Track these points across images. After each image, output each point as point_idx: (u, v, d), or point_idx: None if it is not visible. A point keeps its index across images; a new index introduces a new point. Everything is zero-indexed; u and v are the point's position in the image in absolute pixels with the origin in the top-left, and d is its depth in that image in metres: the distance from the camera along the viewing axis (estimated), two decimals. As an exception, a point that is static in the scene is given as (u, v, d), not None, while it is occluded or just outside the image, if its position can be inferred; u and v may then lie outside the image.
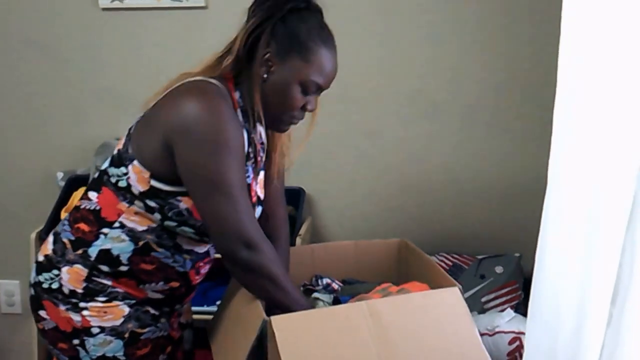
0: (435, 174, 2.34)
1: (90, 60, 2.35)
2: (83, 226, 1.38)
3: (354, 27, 2.23)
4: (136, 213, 1.35)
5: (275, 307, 1.37)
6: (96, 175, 1.42)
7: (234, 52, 1.36)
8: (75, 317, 1.38)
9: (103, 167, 1.42)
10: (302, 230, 2.21)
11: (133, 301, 1.41)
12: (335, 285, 1.71)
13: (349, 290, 1.67)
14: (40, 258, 1.44)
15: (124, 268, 1.38)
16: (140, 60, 2.33)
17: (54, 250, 1.42)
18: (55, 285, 1.39)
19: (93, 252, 1.37)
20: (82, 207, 1.40)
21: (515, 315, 1.83)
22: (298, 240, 2.15)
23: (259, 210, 1.50)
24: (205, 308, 2.19)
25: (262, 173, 1.52)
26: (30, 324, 2.10)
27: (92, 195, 1.39)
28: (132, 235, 1.37)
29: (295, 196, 2.33)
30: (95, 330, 1.39)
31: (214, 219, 1.29)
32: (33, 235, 2.16)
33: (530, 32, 2.18)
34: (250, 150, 1.42)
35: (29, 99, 2.40)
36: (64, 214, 2.13)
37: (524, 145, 2.27)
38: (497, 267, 2.17)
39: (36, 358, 2.20)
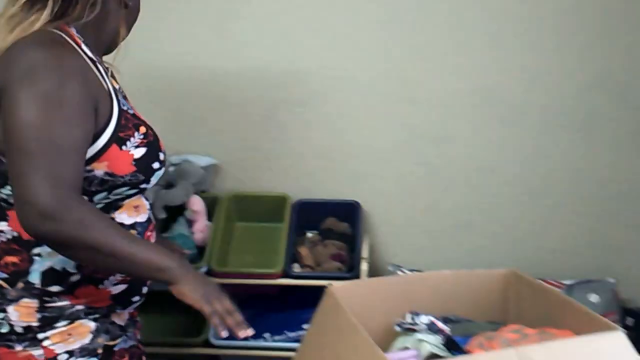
0: (509, 186, 2.06)
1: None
2: (11, 259, 1.24)
3: (417, 17, 1.94)
4: None
5: (138, 278, 1.26)
6: None
7: None
8: (37, 352, 1.23)
9: None
10: (365, 253, 1.90)
11: (97, 315, 1.27)
12: (440, 324, 1.41)
13: (461, 330, 1.38)
14: None
15: (75, 278, 1.24)
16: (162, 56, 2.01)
17: None
18: (4, 329, 1.24)
19: (35, 278, 1.22)
20: None
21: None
22: (364, 265, 1.84)
23: None
24: (248, 342, 1.86)
25: None
26: None
27: (2, 225, 1.24)
28: None
29: (350, 211, 2.04)
30: (63, 358, 1.24)
31: (12, 185, 1.11)
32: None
33: (623, 27, 1.91)
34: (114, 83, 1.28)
35: None
36: None
37: (614, 153, 2.00)
38: (591, 295, 1.90)
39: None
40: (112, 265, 1.16)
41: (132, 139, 1.21)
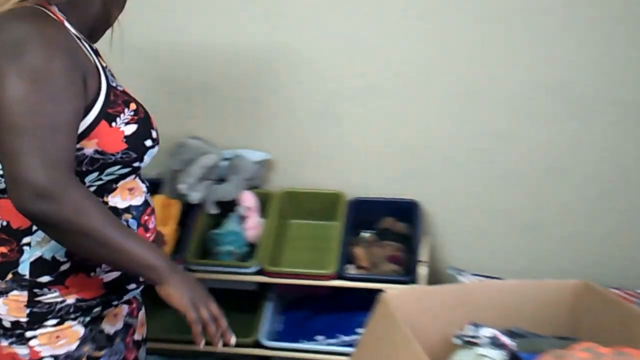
0: (581, 187, 1.91)
1: (153, 47, 1.97)
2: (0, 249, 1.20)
3: (480, 6, 1.80)
4: None
5: (125, 271, 1.20)
6: None
7: None
8: (22, 351, 1.19)
9: None
10: (424, 255, 1.80)
11: (88, 318, 1.22)
12: (503, 339, 1.30)
13: (527, 345, 1.27)
14: None
15: (65, 267, 1.20)
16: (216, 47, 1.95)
17: None
18: None
19: (24, 269, 1.19)
20: None
21: None
22: (423, 269, 1.73)
23: None
24: (301, 344, 1.78)
25: None
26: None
27: None
28: None
29: (409, 210, 1.94)
30: None
31: (4, 165, 1.06)
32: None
33: None
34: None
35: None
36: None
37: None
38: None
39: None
40: (102, 255, 1.12)
41: (122, 115, 1.17)
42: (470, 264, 1.95)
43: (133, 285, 1.26)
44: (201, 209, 1.87)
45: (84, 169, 1.15)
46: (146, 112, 1.23)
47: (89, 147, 1.14)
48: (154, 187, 1.87)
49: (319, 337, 1.80)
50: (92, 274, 1.21)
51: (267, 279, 1.76)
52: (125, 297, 1.27)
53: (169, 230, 1.76)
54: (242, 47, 1.93)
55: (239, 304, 1.87)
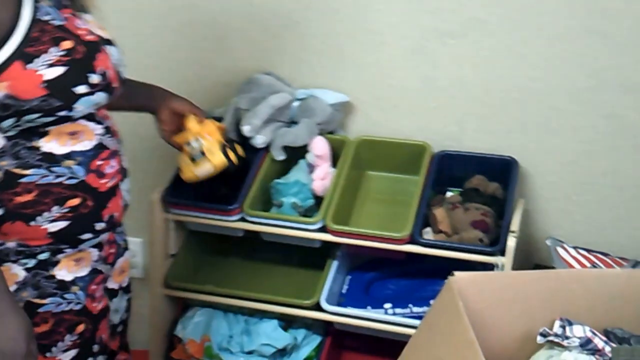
0: None
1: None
2: None
3: None
4: None
5: None
6: None
7: None
8: None
9: None
10: (515, 224, 1.54)
11: (32, 262, 1.13)
12: (599, 343, 1.05)
13: (625, 354, 1.03)
14: None
15: None
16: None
17: None
18: None
19: None
20: None
21: None
22: (511, 241, 1.48)
23: (114, 50, 1.20)
24: (365, 312, 1.60)
25: (89, 15, 1.20)
26: (150, 290, 1.73)
27: None
28: None
29: (504, 169, 1.67)
30: None
31: None
32: (156, 196, 1.67)
33: None
34: None
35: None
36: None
37: None
38: None
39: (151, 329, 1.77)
40: None
41: (43, 55, 1.04)
42: (572, 235, 1.67)
43: (88, 235, 1.15)
44: (266, 153, 1.69)
45: None
46: (92, 52, 1.11)
47: None
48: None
49: (387, 305, 1.61)
50: (32, 222, 1.12)
51: (331, 238, 1.58)
52: (81, 247, 1.16)
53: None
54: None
55: (303, 259, 1.72)
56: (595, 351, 1.04)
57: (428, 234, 1.59)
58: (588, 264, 1.68)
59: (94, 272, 1.21)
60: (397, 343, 1.56)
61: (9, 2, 1.02)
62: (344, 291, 1.67)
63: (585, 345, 1.04)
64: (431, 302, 1.58)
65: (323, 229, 1.56)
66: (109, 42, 1.20)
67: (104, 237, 1.21)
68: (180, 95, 1.54)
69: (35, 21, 1.04)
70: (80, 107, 1.09)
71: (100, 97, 1.13)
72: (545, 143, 1.69)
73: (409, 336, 1.50)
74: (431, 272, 1.62)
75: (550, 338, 1.06)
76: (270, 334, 1.64)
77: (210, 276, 1.72)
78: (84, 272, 1.19)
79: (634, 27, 1.54)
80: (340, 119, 1.79)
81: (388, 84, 1.76)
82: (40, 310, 1.16)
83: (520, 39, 1.62)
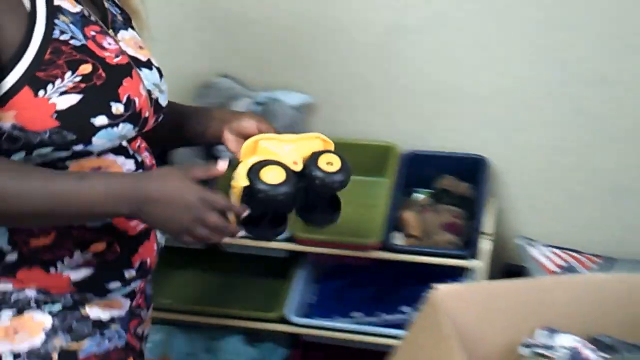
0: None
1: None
2: None
3: None
4: None
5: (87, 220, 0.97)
6: None
7: None
8: None
9: None
10: (488, 224, 1.49)
11: (58, 305, 0.99)
12: (587, 353, 1.00)
13: None
14: None
15: (12, 257, 0.97)
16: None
17: None
18: None
19: None
20: None
21: None
22: (485, 244, 1.43)
23: (150, 73, 1.05)
24: (333, 322, 1.54)
25: (130, 31, 1.08)
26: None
27: None
28: None
29: (473, 168, 1.63)
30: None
31: None
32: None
33: None
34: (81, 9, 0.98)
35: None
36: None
37: None
38: None
39: None
40: (50, 220, 0.92)
41: (57, 81, 0.90)
42: (544, 234, 1.65)
43: (116, 285, 1.02)
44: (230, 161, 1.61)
45: (4, 147, 0.91)
46: (116, 76, 0.96)
47: (6, 121, 0.90)
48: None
49: (357, 314, 1.55)
50: (52, 269, 0.97)
51: (298, 247, 1.50)
52: (110, 296, 1.03)
53: None
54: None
55: (268, 270, 1.65)
56: (584, 362, 0.99)
57: (398, 238, 1.53)
58: (560, 262, 1.65)
59: (131, 314, 1.08)
60: (370, 352, 1.52)
61: (20, 18, 0.89)
62: (311, 301, 1.61)
63: (574, 355, 0.99)
64: (403, 308, 1.56)
65: (290, 239, 1.49)
66: (145, 63, 1.05)
67: (136, 284, 1.06)
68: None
69: (49, 40, 0.90)
70: (100, 141, 0.94)
71: (126, 128, 0.97)
72: (514, 140, 1.66)
73: (380, 345, 1.47)
74: (403, 275, 1.57)
75: (536, 350, 1.00)
76: (234, 350, 1.59)
77: (168, 291, 1.63)
78: (120, 313, 1.05)
79: (603, 21, 1.52)
80: (303, 121, 1.72)
81: (350, 82, 1.71)
82: (82, 356, 1.01)
83: (487, 35, 1.58)
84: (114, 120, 0.94)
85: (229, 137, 1.13)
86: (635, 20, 1.50)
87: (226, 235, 0.95)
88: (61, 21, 0.93)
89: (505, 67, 1.59)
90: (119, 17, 1.07)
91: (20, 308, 0.97)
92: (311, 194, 1.05)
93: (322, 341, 1.57)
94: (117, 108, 0.94)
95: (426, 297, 0.96)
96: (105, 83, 0.94)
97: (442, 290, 0.94)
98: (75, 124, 0.91)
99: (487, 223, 1.51)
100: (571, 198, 1.67)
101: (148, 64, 1.06)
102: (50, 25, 0.90)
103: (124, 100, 0.95)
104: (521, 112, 1.62)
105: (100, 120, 0.93)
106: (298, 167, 1.03)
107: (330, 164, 1.05)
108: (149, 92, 1.02)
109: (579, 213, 1.68)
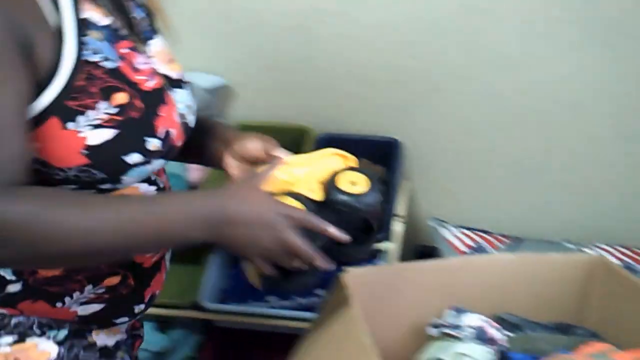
0: (599, 127, 1.60)
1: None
2: None
3: None
4: None
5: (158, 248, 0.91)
6: None
7: None
8: None
9: None
10: (401, 208, 1.50)
11: (64, 332, 0.89)
12: (492, 331, 1.02)
13: (522, 342, 1.01)
14: None
15: (15, 287, 0.86)
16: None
17: None
18: None
19: None
20: None
21: None
22: (398, 226, 1.44)
23: (182, 93, 0.93)
24: (245, 307, 1.50)
25: (159, 41, 0.96)
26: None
27: None
28: None
29: (387, 151, 1.64)
30: None
31: None
32: None
33: None
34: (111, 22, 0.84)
35: None
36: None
37: None
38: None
39: None
40: (117, 254, 0.81)
41: (89, 112, 0.78)
42: (456, 215, 1.68)
43: (124, 319, 0.94)
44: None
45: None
46: (153, 105, 0.83)
47: None
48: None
49: (271, 298, 1.53)
50: (58, 304, 0.88)
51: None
52: (116, 328, 0.96)
53: None
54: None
55: (182, 256, 1.60)
56: (489, 341, 1.01)
57: (313, 222, 1.52)
58: (470, 243, 1.69)
59: (133, 336, 1.03)
60: (287, 336, 1.50)
61: (47, 35, 0.76)
62: (225, 287, 1.58)
63: (479, 335, 1.01)
64: (317, 290, 1.55)
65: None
66: (176, 82, 0.93)
67: (141, 315, 0.99)
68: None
69: (81, 63, 0.78)
70: (130, 180, 0.84)
71: (158, 164, 0.86)
72: (426, 123, 1.68)
73: (294, 329, 1.45)
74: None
75: (443, 330, 1.02)
76: (145, 338, 1.53)
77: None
78: (122, 336, 0.98)
79: (515, 6, 1.52)
80: (218, 105, 1.68)
81: (263, 64, 1.68)
82: None
83: (399, 15, 1.57)
84: (149, 158, 0.83)
85: (230, 163, 0.98)
86: (543, 6, 1.51)
87: (309, 261, 0.83)
88: (92, 38, 0.80)
89: (415, 49, 1.60)
90: (145, 22, 0.94)
91: (22, 333, 0.87)
92: (341, 224, 0.86)
93: (237, 326, 1.54)
94: (154, 144, 0.83)
95: (336, 280, 0.95)
96: (142, 115, 0.82)
97: (351, 273, 0.94)
98: (107, 162, 0.80)
99: (400, 205, 1.52)
100: (480, 179, 1.71)
101: (179, 83, 0.94)
102: (80, 44, 0.78)
103: (161, 134, 0.84)
104: (432, 95, 1.64)
105: (134, 158, 0.81)
106: (317, 195, 0.87)
107: (354, 183, 0.90)
108: (181, 115, 0.91)
109: (487, 194, 1.72)
